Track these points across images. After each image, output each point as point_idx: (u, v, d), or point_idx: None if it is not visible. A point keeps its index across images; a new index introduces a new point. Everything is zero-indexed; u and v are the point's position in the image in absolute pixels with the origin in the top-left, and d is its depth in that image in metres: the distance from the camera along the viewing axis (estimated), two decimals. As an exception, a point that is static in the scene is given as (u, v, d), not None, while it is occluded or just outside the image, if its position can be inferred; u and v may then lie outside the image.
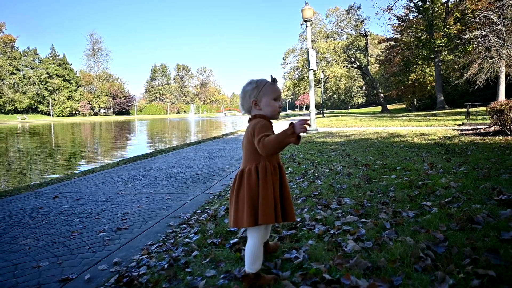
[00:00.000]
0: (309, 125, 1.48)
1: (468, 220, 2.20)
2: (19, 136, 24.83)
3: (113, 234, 2.86)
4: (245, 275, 1.69)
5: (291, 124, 1.47)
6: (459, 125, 11.77)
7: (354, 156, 5.52)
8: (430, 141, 6.89)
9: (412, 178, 3.56)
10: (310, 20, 11.85)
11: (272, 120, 1.74)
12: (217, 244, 2.29)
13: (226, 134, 15.55)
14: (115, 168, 6.64)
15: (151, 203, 3.85)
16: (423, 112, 28.79)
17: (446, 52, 33.91)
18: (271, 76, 1.75)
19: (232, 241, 2.29)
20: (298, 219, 2.57)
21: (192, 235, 2.59)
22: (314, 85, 49.60)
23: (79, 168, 9.42)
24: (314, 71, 12.57)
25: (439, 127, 11.73)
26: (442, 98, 32.45)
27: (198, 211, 3.44)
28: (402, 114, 29.98)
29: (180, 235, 2.72)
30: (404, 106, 48.64)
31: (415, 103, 41.16)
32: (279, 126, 20.25)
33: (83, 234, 2.89)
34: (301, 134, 1.48)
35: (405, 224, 2.26)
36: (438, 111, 27.39)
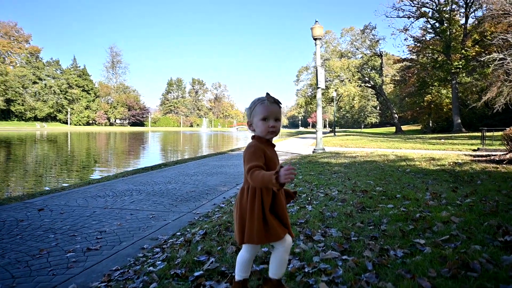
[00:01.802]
0: (295, 174, 1.43)
1: (463, 265, 1.94)
2: (36, 143, 25.30)
3: (81, 255, 2.68)
4: (234, 280, 1.80)
5: (277, 173, 1.41)
6: (474, 150, 11.31)
7: (354, 180, 5.25)
8: (438, 167, 6.54)
9: (409, 209, 3.28)
10: (320, 38, 11.76)
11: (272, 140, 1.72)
12: (180, 276, 2.09)
13: (232, 150, 15.40)
14: (111, 181, 6.53)
15: (133, 221, 3.67)
16: (439, 135, 28.07)
17: (464, 74, 33.30)
18: (267, 94, 1.68)
19: (196, 274, 2.07)
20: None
21: (159, 262, 2.39)
22: (327, 103, 49.39)
23: (86, 176, 9.38)
24: (323, 89, 12.38)
25: (453, 151, 11.29)
26: (459, 121, 31.65)
27: (177, 233, 3.24)
28: (416, 136, 29.32)
29: (149, 261, 2.52)
30: (419, 127, 47.74)
31: (430, 125, 40.32)
32: (286, 144, 20.04)
33: (51, 253, 2.73)
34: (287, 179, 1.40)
35: (390, 265, 2.01)
36: (455, 134, 26.66)
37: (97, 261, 2.57)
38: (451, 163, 7.00)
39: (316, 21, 11.78)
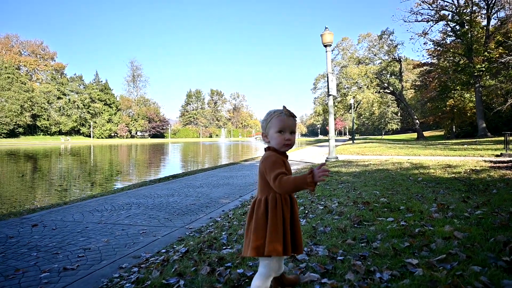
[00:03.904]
0: (328, 175, 1.45)
1: (455, 291, 1.69)
2: (61, 156, 26.09)
3: (55, 276, 2.58)
4: None
5: (312, 172, 1.45)
6: (497, 155, 10.70)
7: (360, 191, 4.98)
8: (453, 175, 6.15)
9: (410, 223, 3.01)
10: (330, 45, 11.55)
11: (287, 153, 1.73)
12: (143, 301, 1.93)
13: (245, 160, 15.27)
14: (115, 194, 6.51)
15: (121, 237, 3.57)
16: (462, 140, 26.97)
17: (488, 77, 32.04)
18: (284, 107, 1.71)
19: (159, 299, 1.92)
20: (251, 273, 2.16)
21: (129, 285, 2.25)
22: (346, 111, 48.62)
23: (105, 188, 9.46)
24: (335, 96, 12.11)
25: (474, 157, 10.71)
26: (484, 125, 30.35)
27: (162, 250, 3.10)
28: (438, 141, 28.29)
29: (122, 282, 2.39)
30: (442, 133, 46.18)
31: (454, 130, 38.90)
32: (302, 153, 19.70)
33: (26, 274, 2.64)
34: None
35: (371, 291, 1.78)
36: (479, 139, 25.55)
37: (69, 282, 2.46)
38: (468, 171, 6.58)
39: (326, 28, 11.61)
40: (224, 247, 2.83)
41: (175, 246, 3.17)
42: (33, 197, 8.66)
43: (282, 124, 1.65)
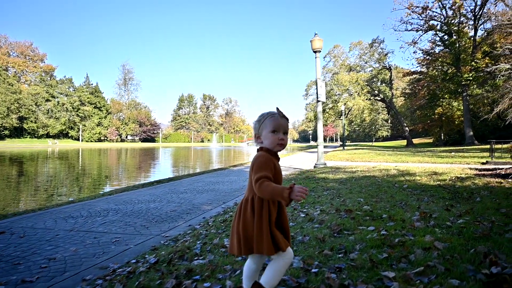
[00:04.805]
0: (306, 195, 1.46)
1: (430, 308, 1.58)
2: (48, 160, 25.54)
3: (11, 289, 2.40)
4: None
5: (291, 188, 1.46)
6: (483, 163, 10.76)
7: (344, 198, 4.88)
8: (439, 182, 6.10)
9: (390, 233, 2.91)
10: (320, 51, 11.55)
11: (278, 153, 1.74)
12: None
13: (234, 165, 15.12)
14: (94, 200, 6.30)
15: (92, 246, 3.39)
16: (450, 148, 27.26)
17: (475, 86, 32.57)
18: (277, 108, 1.73)
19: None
20: (218, 286, 2.02)
21: (87, 299, 2.09)
22: (337, 117, 48.88)
23: (88, 192, 9.20)
24: (323, 102, 12.09)
25: (460, 164, 10.76)
26: (471, 133, 30.78)
27: (132, 260, 2.94)
28: (427, 149, 28.54)
29: (82, 295, 2.23)
30: (431, 140, 46.68)
31: (442, 137, 39.37)
32: (292, 159, 19.63)
33: (-19, 286, 2.46)
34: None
35: (342, 308, 1.66)
36: (467, 147, 25.87)
37: (25, 295, 2.29)
38: (453, 178, 6.55)
39: (315, 34, 11.62)
40: (196, 258, 2.68)
41: (146, 256, 3.01)
42: (11, 202, 8.36)
43: (276, 124, 1.68)
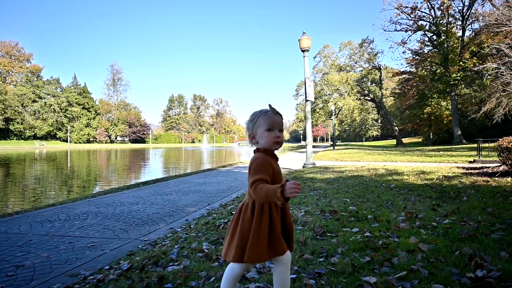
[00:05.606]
0: (300, 190, 1.33)
1: (411, 316, 1.49)
2: (35, 162, 24.99)
3: (-29, 300, 2.24)
4: None
5: (283, 186, 1.36)
6: (470, 162, 10.82)
7: (330, 198, 4.79)
8: (426, 181, 6.07)
9: (374, 234, 2.82)
10: (308, 50, 11.48)
11: (275, 152, 1.66)
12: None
13: (223, 166, 14.97)
14: (75, 203, 6.10)
15: (66, 252, 3.23)
16: (439, 147, 27.52)
17: (463, 86, 32.98)
18: (269, 105, 1.64)
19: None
20: (190, 296, 1.90)
21: (49, 311, 1.95)
22: (327, 117, 49.04)
23: (70, 195, 8.94)
24: (312, 102, 12.04)
25: (448, 163, 10.79)
26: (459, 132, 31.17)
27: (106, 267, 2.79)
28: (416, 148, 28.77)
29: (46, 307, 2.08)
30: (420, 139, 47.14)
31: (431, 137, 39.77)
32: (283, 158, 19.52)
33: None
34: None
35: (317, 318, 1.56)
36: (455, 146, 26.15)
37: (-16, 307, 2.13)
38: (441, 177, 6.53)
39: (304, 33, 11.55)
40: (170, 264, 2.55)
41: (121, 262, 2.86)
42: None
43: (271, 122, 1.59)
